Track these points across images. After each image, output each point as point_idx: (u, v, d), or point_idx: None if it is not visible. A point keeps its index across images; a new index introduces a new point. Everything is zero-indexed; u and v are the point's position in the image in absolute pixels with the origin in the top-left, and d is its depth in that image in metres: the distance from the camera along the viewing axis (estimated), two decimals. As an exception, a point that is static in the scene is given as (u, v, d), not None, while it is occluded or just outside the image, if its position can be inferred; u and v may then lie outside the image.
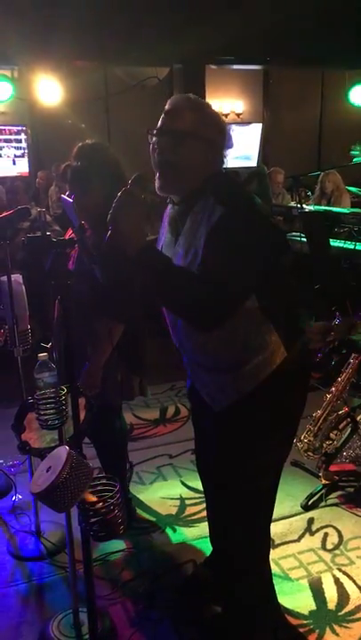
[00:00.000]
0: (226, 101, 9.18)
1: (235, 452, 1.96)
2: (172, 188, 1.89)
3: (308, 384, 2.08)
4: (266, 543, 2.19)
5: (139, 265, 1.75)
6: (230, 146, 1.91)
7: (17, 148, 8.37)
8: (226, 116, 9.25)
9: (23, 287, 2.71)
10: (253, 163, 9.50)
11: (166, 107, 1.86)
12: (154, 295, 1.84)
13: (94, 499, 1.57)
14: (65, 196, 2.19)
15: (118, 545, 2.78)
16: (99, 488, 1.69)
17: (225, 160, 1.91)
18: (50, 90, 6.18)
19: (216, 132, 1.86)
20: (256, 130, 9.43)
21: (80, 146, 2.57)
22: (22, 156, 8.41)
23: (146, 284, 1.86)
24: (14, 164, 8.42)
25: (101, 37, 5.28)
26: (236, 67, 7.59)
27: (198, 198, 1.82)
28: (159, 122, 1.86)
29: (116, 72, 7.50)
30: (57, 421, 2.03)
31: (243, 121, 9.39)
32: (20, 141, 8.37)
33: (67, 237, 2.30)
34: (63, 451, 1.55)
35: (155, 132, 1.84)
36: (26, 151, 8.41)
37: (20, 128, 8.33)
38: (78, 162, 2.52)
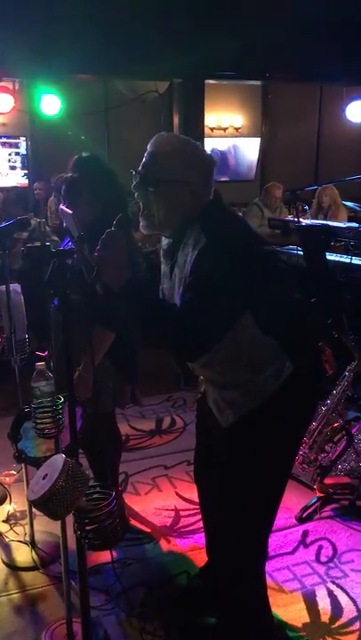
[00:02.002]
0: (225, 115, 9.26)
1: (241, 465, 1.97)
2: (154, 230, 1.96)
3: (318, 397, 2.10)
4: (263, 555, 2.19)
5: (122, 302, 1.83)
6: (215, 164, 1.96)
7: (14, 160, 8.42)
8: (224, 129, 9.33)
9: (22, 297, 2.73)
10: (251, 177, 9.58)
11: (148, 148, 1.91)
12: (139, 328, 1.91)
13: (90, 507, 1.58)
14: (64, 207, 2.22)
15: (115, 555, 2.78)
16: (94, 496, 1.71)
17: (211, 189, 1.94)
18: (50, 102, 6.23)
19: (197, 173, 1.90)
20: (254, 144, 9.51)
21: (76, 158, 2.60)
22: (22, 167, 8.46)
23: (131, 319, 1.93)
24: (12, 174, 8.46)
25: (102, 51, 5.34)
26: (234, 81, 7.68)
27: (189, 229, 1.87)
28: (142, 162, 1.90)
29: (116, 85, 7.56)
30: (53, 430, 2.05)
31: (241, 135, 9.46)
32: (19, 153, 8.42)
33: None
34: (60, 459, 1.56)
35: (137, 174, 1.89)
36: (25, 162, 8.46)
37: (19, 140, 8.38)
38: (74, 174, 2.55)
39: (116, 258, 1.77)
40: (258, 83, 8.25)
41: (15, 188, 8.07)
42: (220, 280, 1.75)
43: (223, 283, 1.75)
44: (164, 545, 2.91)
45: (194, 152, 1.92)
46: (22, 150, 8.41)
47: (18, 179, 8.45)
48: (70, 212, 2.11)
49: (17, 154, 8.41)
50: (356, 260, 4.19)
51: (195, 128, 5.71)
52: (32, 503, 1.57)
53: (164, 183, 1.86)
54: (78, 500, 1.53)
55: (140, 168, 1.90)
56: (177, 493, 3.34)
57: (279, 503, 2.09)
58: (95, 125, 8.38)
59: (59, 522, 2.21)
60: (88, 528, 1.61)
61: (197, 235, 1.82)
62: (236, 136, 9.41)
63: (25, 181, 8.42)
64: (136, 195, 1.91)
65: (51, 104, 6.26)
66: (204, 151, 1.96)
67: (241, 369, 1.90)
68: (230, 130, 9.40)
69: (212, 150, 9.00)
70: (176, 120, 5.92)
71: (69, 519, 1.73)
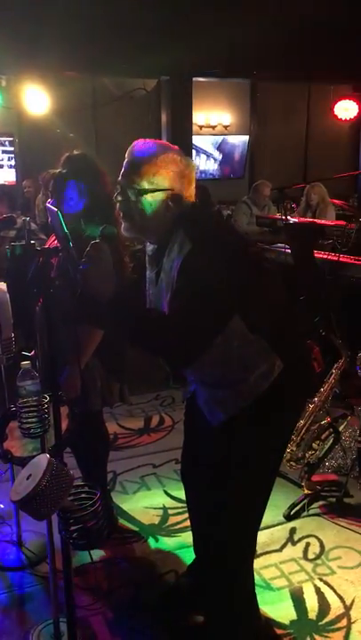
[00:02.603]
0: (213, 113, 9.26)
1: (232, 463, 1.98)
2: (136, 234, 1.96)
3: (307, 394, 2.12)
4: (252, 553, 2.20)
5: (110, 315, 1.85)
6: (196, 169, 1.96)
7: (1, 158, 8.38)
8: (213, 127, 9.33)
9: (7, 296, 2.71)
10: (240, 175, 9.58)
11: (126, 156, 1.90)
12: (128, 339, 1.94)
13: (75, 507, 1.57)
14: (50, 205, 2.21)
15: (100, 555, 2.77)
16: (80, 496, 1.70)
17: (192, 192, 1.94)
18: (37, 99, 6.20)
19: (178, 179, 1.89)
20: (243, 142, 9.52)
21: (66, 156, 2.60)
22: (10, 165, 8.42)
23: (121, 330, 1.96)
24: (1, 172, 8.43)
25: (89, 49, 5.32)
26: (223, 79, 7.68)
27: (172, 235, 1.87)
28: (121, 171, 1.90)
29: (103, 83, 7.54)
30: (39, 430, 2.03)
31: (230, 133, 9.46)
32: (7, 151, 8.38)
33: (48, 245, 2.31)
34: (44, 458, 1.55)
35: (117, 185, 1.89)
36: (13, 160, 8.42)
37: (7, 139, 8.35)
38: (62, 170, 2.56)
39: (101, 271, 1.81)
40: (246, 81, 8.26)
41: (2, 186, 8.03)
42: (207, 285, 1.76)
43: (210, 288, 1.76)
44: (152, 543, 2.91)
45: (173, 158, 1.90)
46: (10, 148, 8.37)
47: (6, 176, 8.41)
48: (55, 209, 2.10)
49: (5, 152, 8.37)
50: (343, 258, 4.20)
51: (183, 126, 5.71)
52: (15, 504, 1.56)
53: (146, 192, 1.86)
54: (62, 499, 1.52)
55: (119, 178, 1.89)
56: (165, 492, 3.34)
57: (268, 499, 2.10)
58: (83, 123, 8.34)
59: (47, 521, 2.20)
60: (73, 528, 1.60)
61: (182, 240, 1.82)
62: (224, 134, 9.41)
63: (13, 179, 8.39)
64: (118, 205, 1.91)
65: (38, 101, 6.23)
66: (184, 155, 1.95)
67: (232, 369, 1.91)
68: (219, 128, 9.40)
69: (198, 150, 9.01)
70: (164, 118, 5.92)
71: (57, 519, 1.72)
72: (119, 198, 1.89)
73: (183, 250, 1.80)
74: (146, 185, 1.86)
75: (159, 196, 1.86)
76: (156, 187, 1.86)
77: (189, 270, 1.77)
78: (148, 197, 1.85)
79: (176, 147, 1.94)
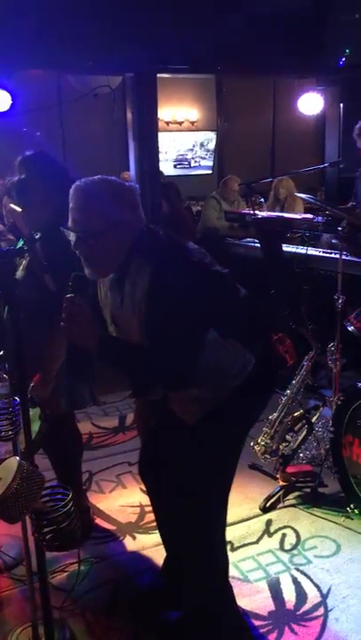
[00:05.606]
0: (180, 109, 9.26)
1: (203, 457, 2.01)
2: (102, 275, 2.00)
3: (275, 383, 2.20)
4: (222, 545, 2.22)
5: (99, 358, 1.97)
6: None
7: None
8: (180, 124, 9.32)
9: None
10: (209, 170, 9.60)
11: (71, 203, 1.90)
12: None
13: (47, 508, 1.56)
14: (13, 206, 2.19)
15: (79, 555, 2.76)
16: (56, 497, 1.69)
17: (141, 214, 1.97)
18: (1, 98, 6.11)
19: (127, 208, 1.91)
20: (211, 137, 9.53)
21: (21, 158, 2.54)
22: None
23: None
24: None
25: (52, 46, 5.26)
26: (188, 75, 7.67)
27: (131, 260, 1.90)
28: (71, 218, 1.90)
29: (69, 80, 7.47)
30: (10, 432, 2.02)
31: (197, 129, 9.47)
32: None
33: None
34: (14, 461, 1.54)
35: (74, 233, 1.89)
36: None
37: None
38: (22, 175, 2.51)
39: (82, 325, 1.84)
40: (212, 77, 8.26)
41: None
42: (180, 302, 1.81)
43: (183, 304, 1.81)
44: (129, 542, 2.91)
45: (116, 190, 1.92)
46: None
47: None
48: (19, 209, 2.08)
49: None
50: (311, 251, 4.24)
51: (149, 122, 5.68)
52: (-13, 508, 1.55)
53: (102, 232, 1.87)
54: (34, 502, 1.51)
55: (71, 225, 1.89)
56: (142, 489, 3.33)
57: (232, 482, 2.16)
58: (50, 121, 8.26)
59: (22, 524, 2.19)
60: (46, 530, 1.59)
61: (141, 263, 1.87)
62: (191, 130, 9.42)
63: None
64: (77, 252, 1.91)
65: (1, 100, 6.13)
66: (124, 183, 1.98)
67: (208, 370, 1.95)
68: (186, 124, 9.40)
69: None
70: (129, 115, 5.88)
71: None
72: (77, 246, 1.90)
73: (144, 272, 1.84)
74: (102, 225, 1.86)
75: (116, 230, 1.88)
76: (112, 223, 1.87)
77: (159, 294, 1.82)
78: (106, 235, 1.87)
79: (114, 177, 1.96)
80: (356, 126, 3.88)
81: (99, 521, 3.06)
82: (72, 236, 1.89)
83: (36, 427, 2.05)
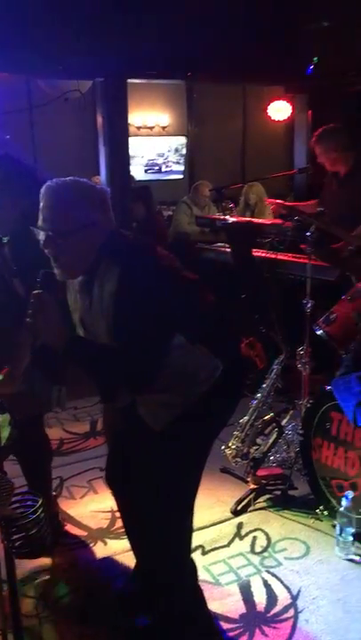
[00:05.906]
0: (150, 115, 9.26)
1: (174, 461, 2.01)
2: (71, 276, 1.99)
3: (244, 386, 2.22)
4: (189, 549, 2.23)
5: (67, 357, 1.97)
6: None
7: None
8: (151, 129, 9.33)
9: None
10: (180, 175, 9.63)
11: (42, 202, 1.90)
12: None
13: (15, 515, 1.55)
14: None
15: (49, 562, 2.74)
16: (26, 503, 1.68)
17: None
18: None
19: (98, 209, 1.92)
20: (181, 143, 9.56)
21: None
22: None
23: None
24: None
25: (22, 50, 5.23)
26: (159, 81, 7.69)
27: (100, 262, 1.91)
28: (41, 217, 1.90)
29: (38, 84, 7.42)
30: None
31: (168, 134, 9.49)
32: None
33: None
34: (-18, 468, 1.52)
35: (43, 232, 1.89)
36: None
37: None
38: None
39: (49, 322, 1.83)
40: (182, 82, 8.30)
41: None
42: (147, 304, 1.82)
43: (151, 306, 1.82)
44: (100, 548, 2.89)
45: (87, 191, 1.93)
46: None
47: None
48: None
49: None
50: (281, 256, 4.28)
51: (119, 127, 5.69)
52: None
53: (72, 232, 1.87)
54: (3, 508, 1.50)
55: (41, 224, 1.89)
56: (113, 495, 3.32)
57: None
58: (19, 125, 8.19)
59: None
60: (15, 537, 1.58)
61: (109, 265, 1.87)
62: (162, 135, 9.43)
63: None
64: (46, 251, 1.91)
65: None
66: (95, 185, 1.99)
67: (176, 376, 1.96)
68: (157, 129, 9.41)
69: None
70: (99, 119, 5.88)
71: (-2, 528, 1.69)
72: (47, 245, 1.89)
73: (113, 276, 1.85)
74: (71, 225, 1.87)
75: (86, 231, 1.89)
76: (82, 223, 1.87)
77: (126, 295, 1.82)
78: (76, 235, 1.87)
79: (85, 179, 1.97)
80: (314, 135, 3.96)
81: (69, 527, 3.04)
82: (41, 235, 1.88)
83: (5, 433, 2.03)
